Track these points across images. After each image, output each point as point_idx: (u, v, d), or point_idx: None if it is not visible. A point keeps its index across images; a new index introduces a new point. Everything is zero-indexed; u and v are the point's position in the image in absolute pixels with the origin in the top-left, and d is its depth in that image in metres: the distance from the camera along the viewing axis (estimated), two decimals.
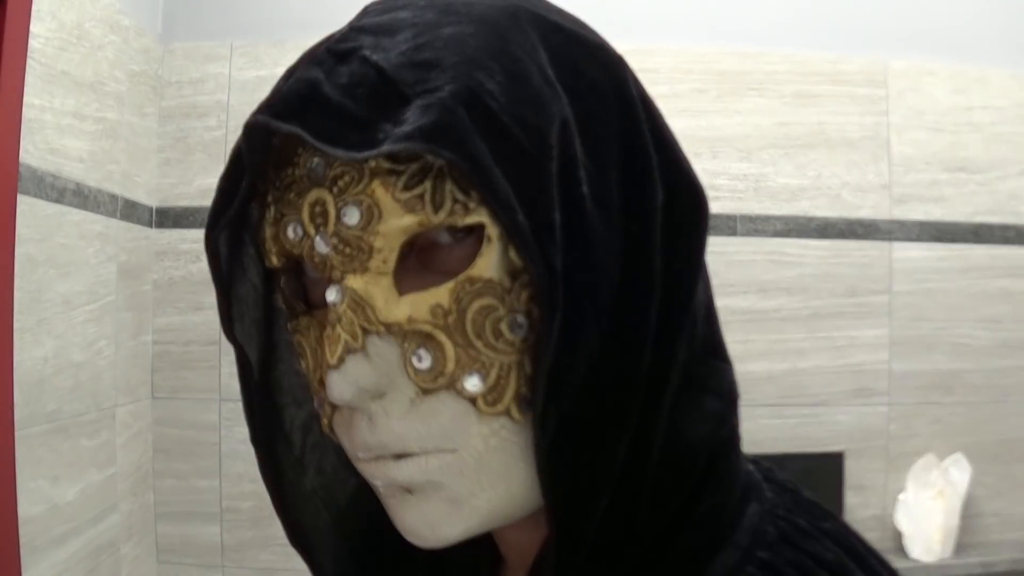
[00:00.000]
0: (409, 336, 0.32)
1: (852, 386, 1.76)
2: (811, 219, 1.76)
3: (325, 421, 0.36)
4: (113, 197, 1.51)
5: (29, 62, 1.21)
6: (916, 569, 1.65)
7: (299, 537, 0.42)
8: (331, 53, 0.34)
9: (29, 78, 1.21)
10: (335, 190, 0.32)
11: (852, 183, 1.78)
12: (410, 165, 0.31)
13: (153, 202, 1.69)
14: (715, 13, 1.79)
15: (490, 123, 0.31)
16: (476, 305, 0.32)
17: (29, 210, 1.22)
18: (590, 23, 0.43)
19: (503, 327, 0.32)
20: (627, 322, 0.33)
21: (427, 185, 0.31)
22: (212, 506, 1.69)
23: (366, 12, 0.37)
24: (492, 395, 0.32)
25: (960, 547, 1.70)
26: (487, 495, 0.33)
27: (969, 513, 1.73)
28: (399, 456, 0.33)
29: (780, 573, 0.34)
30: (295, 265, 0.37)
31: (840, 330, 1.76)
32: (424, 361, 0.32)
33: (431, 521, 0.34)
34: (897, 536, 1.71)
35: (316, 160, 0.33)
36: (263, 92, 0.37)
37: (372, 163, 0.31)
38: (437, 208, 0.31)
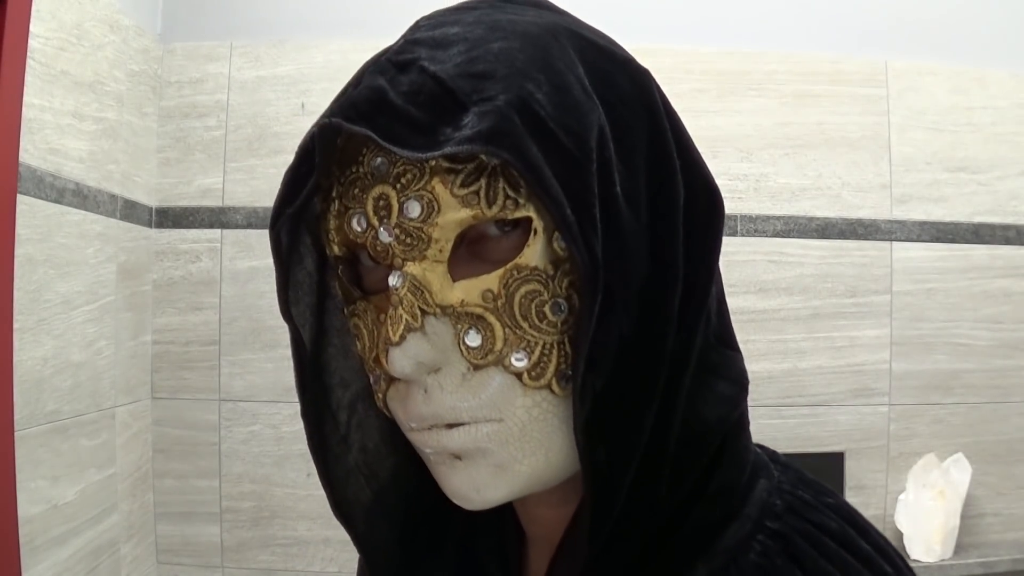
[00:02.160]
0: (462, 317, 0.36)
1: (852, 386, 1.76)
2: (811, 219, 1.76)
3: (380, 396, 0.40)
4: (113, 197, 1.50)
5: (29, 62, 1.21)
6: (916, 569, 1.64)
7: (342, 509, 0.45)
8: (392, 64, 0.37)
9: (29, 78, 1.21)
10: (398, 186, 0.36)
11: (852, 183, 1.78)
12: (467, 165, 0.35)
13: (153, 202, 1.69)
14: (715, 13, 1.79)
15: (539, 129, 0.34)
16: (523, 290, 0.36)
17: (29, 210, 1.22)
18: (591, 22, 0.44)
19: (546, 310, 0.36)
20: (653, 309, 0.36)
21: (482, 182, 0.35)
22: (212, 506, 1.69)
23: (418, 27, 0.40)
24: (536, 370, 0.36)
25: (960, 547, 1.70)
26: (528, 461, 0.37)
27: (969, 513, 1.73)
28: (451, 425, 0.37)
29: (789, 540, 0.38)
30: (352, 255, 0.40)
31: (840, 330, 1.76)
32: (475, 340, 0.36)
33: (478, 485, 0.37)
34: (897, 536, 1.71)
35: (380, 159, 0.36)
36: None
37: (433, 162, 0.35)
38: (491, 203, 0.35)
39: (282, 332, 1.70)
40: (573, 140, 0.35)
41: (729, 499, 0.40)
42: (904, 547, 1.70)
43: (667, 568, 0.38)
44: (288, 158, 0.41)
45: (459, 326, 0.36)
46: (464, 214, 0.35)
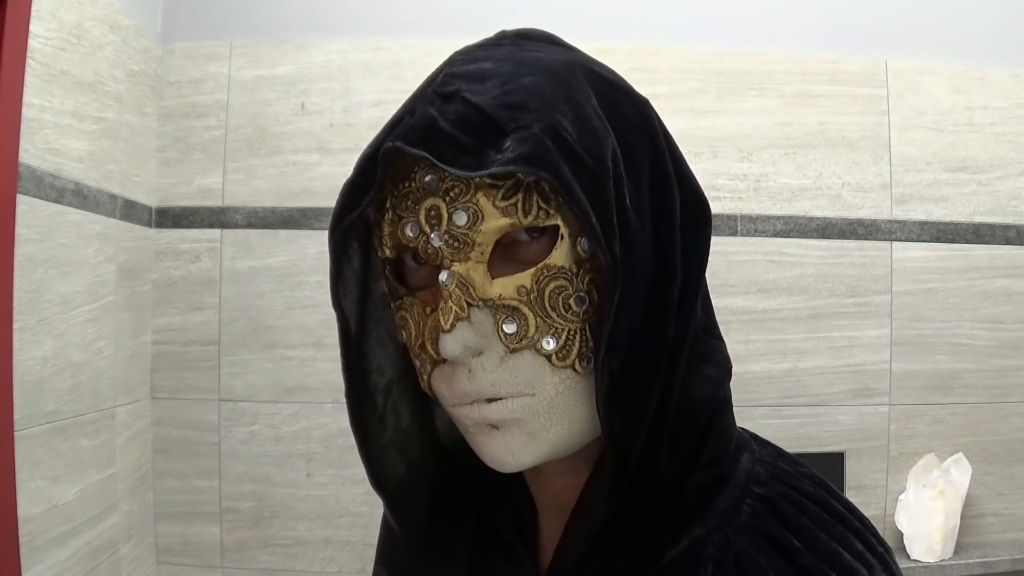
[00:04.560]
0: (500, 309, 0.43)
1: (852, 386, 1.76)
2: (811, 219, 1.76)
3: (424, 378, 0.47)
4: (113, 197, 1.50)
5: (29, 62, 1.21)
6: (916, 569, 1.65)
7: (380, 481, 0.51)
8: (438, 95, 0.44)
9: (29, 78, 1.21)
10: (447, 199, 0.42)
11: (852, 183, 1.78)
12: (506, 181, 0.42)
13: (152, 202, 1.69)
14: (715, 13, 1.79)
15: (568, 152, 0.41)
16: (552, 285, 0.43)
17: (29, 210, 1.22)
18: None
19: (571, 302, 0.43)
20: (657, 302, 0.43)
21: (519, 196, 0.42)
22: (212, 506, 1.69)
23: (453, 61, 0.46)
24: (562, 352, 0.43)
25: (960, 547, 1.70)
26: (555, 429, 0.44)
27: (969, 513, 1.73)
28: (490, 400, 0.43)
29: (774, 503, 0.45)
30: (398, 257, 0.47)
31: (840, 330, 1.76)
32: (511, 327, 0.43)
33: (512, 450, 0.44)
34: (897, 536, 1.71)
35: (430, 176, 0.43)
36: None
37: (477, 179, 0.41)
38: (527, 213, 0.42)
39: (282, 332, 1.69)
40: (594, 161, 0.42)
41: (719, 468, 0.47)
42: (904, 547, 1.70)
43: (668, 528, 0.45)
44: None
45: (498, 316, 0.43)
46: (503, 222, 0.42)
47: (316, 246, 1.70)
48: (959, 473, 1.70)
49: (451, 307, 0.42)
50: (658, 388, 0.43)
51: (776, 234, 1.75)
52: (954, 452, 1.74)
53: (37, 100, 1.24)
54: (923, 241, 1.78)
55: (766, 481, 0.47)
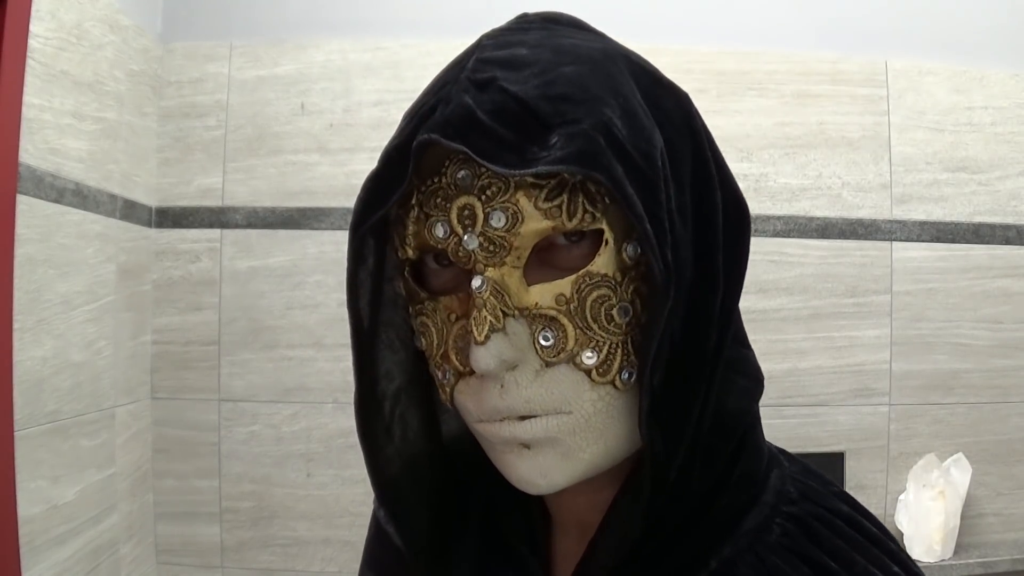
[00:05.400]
0: (537, 318, 0.40)
1: (852, 386, 1.76)
2: (811, 219, 1.76)
3: (447, 391, 0.43)
4: (113, 197, 1.50)
5: (29, 62, 1.21)
6: None
7: (384, 491, 0.48)
8: (472, 82, 0.40)
9: (29, 78, 1.21)
10: (483, 198, 0.39)
11: (852, 183, 1.78)
12: (550, 181, 0.38)
13: (152, 202, 1.69)
14: (715, 13, 1.79)
15: (620, 151, 0.38)
16: (594, 295, 0.40)
17: (29, 210, 1.22)
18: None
19: (614, 313, 0.40)
20: (698, 312, 0.40)
21: (564, 197, 0.38)
22: (212, 506, 1.69)
23: (483, 46, 0.43)
24: (603, 367, 0.40)
25: (960, 547, 1.70)
26: (591, 449, 0.41)
27: (969, 513, 1.73)
28: (523, 417, 0.40)
29: (806, 523, 0.42)
30: (419, 258, 0.44)
31: (840, 330, 1.76)
32: (548, 339, 0.39)
33: (544, 471, 0.41)
34: (898, 536, 1.71)
35: (463, 172, 0.39)
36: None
37: (518, 178, 0.38)
38: (571, 216, 0.39)
39: (282, 332, 1.69)
40: (645, 161, 0.39)
41: (750, 486, 0.44)
42: (904, 547, 1.70)
43: (697, 548, 0.42)
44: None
45: (534, 327, 0.40)
46: (545, 225, 0.39)
47: (316, 246, 1.70)
48: (959, 473, 1.70)
49: (485, 317, 0.38)
50: (699, 403, 0.40)
51: (776, 234, 1.75)
52: (954, 452, 1.74)
53: (37, 100, 1.24)
54: (923, 241, 1.78)
55: (796, 500, 0.44)
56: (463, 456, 0.52)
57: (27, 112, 1.21)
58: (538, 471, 0.41)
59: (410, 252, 0.42)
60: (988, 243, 1.79)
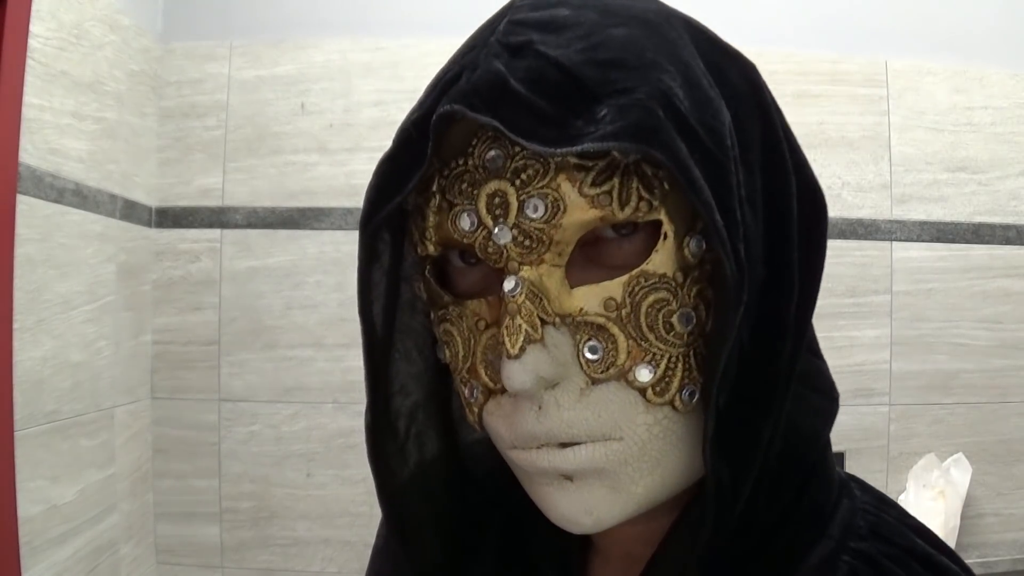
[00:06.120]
0: (581, 327, 0.33)
1: (852, 386, 1.76)
2: None
3: (475, 410, 0.37)
4: (112, 197, 1.50)
5: (29, 62, 1.21)
6: None
7: (396, 524, 0.42)
8: (503, 46, 0.34)
9: (29, 78, 1.21)
10: (517, 183, 0.32)
11: (852, 183, 1.78)
12: (598, 162, 0.32)
13: (152, 202, 1.69)
14: (715, 13, 1.78)
15: (682, 126, 0.31)
16: (650, 299, 0.33)
17: (29, 210, 1.22)
18: None
19: (674, 320, 0.33)
20: (770, 318, 0.34)
21: (615, 182, 0.32)
22: (212, 506, 1.69)
23: (516, 7, 0.36)
24: (660, 385, 0.33)
25: (960, 547, 1.70)
26: (645, 481, 0.34)
27: (969, 513, 1.73)
28: (564, 444, 0.34)
29: (877, 563, 0.36)
30: (443, 255, 0.37)
31: (840, 330, 1.76)
32: (595, 352, 0.33)
33: (590, 507, 0.34)
34: None
35: (494, 152, 0.33)
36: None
37: (559, 158, 0.32)
38: (623, 205, 0.32)
39: (281, 332, 1.69)
40: (713, 139, 0.32)
41: (819, 520, 0.38)
42: None
43: None
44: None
45: (578, 336, 0.33)
46: (592, 215, 0.32)
47: (316, 246, 1.70)
48: (959, 473, 1.70)
49: (520, 325, 0.32)
50: (770, 426, 0.34)
51: None
52: (954, 452, 1.74)
53: (37, 100, 1.24)
54: (923, 241, 1.78)
55: (867, 536, 0.37)
56: (484, 461, 0.45)
57: (27, 112, 1.21)
58: (582, 507, 0.34)
59: (431, 248, 0.36)
60: (988, 243, 1.79)
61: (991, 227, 1.79)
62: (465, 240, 0.34)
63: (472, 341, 0.36)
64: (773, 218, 0.35)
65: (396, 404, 0.42)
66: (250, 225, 1.70)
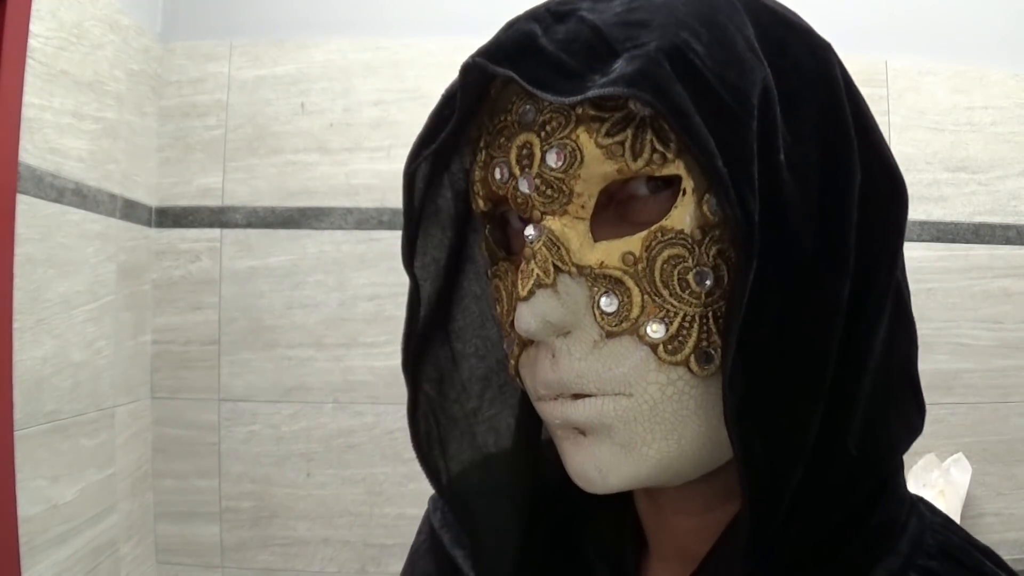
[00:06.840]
0: (599, 280, 0.34)
1: None
2: None
3: (512, 362, 0.38)
4: (113, 197, 1.50)
5: (29, 62, 1.21)
6: None
7: (458, 491, 0.42)
8: (551, 13, 0.35)
9: (29, 78, 1.21)
10: (543, 134, 0.34)
11: None
12: (614, 113, 0.33)
13: (153, 202, 1.69)
14: None
15: (693, 76, 0.32)
16: (665, 254, 0.33)
17: (29, 210, 1.22)
18: None
19: (690, 278, 0.33)
20: (817, 293, 0.33)
21: (628, 133, 0.33)
22: (212, 506, 1.69)
23: None
24: (672, 344, 0.33)
25: None
26: (658, 445, 0.34)
27: (969, 513, 1.73)
28: (577, 396, 0.34)
29: None
30: (501, 215, 0.39)
31: None
32: (611, 304, 0.33)
33: (600, 464, 0.34)
34: None
35: (527, 106, 0.35)
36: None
37: (579, 109, 0.33)
38: (636, 156, 0.33)
39: (282, 332, 1.69)
40: (731, 93, 0.32)
41: (889, 535, 0.37)
42: None
43: None
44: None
45: (595, 288, 0.34)
46: (608, 167, 0.33)
47: (316, 246, 1.70)
48: (959, 473, 1.70)
49: (532, 270, 0.33)
50: (820, 411, 0.32)
51: None
52: (954, 452, 1.73)
53: (37, 100, 1.24)
54: (923, 241, 1.78)
55: (936, 555, 0.37)
56: (547, 460, 0.44)
57: (27, 112, 1.21)
58: (593, 463, 0.34)
59: (481, 203, 0.38)
60: (988, 243, 1.79)
61: (991, 227, 1.79)
62: (500, 192, 0.36)
63: (514, 295, 0.37)
64: (829, 193, 0.34)
65: (469, 366, 0.44)
66: (250, 225, 1.70)
